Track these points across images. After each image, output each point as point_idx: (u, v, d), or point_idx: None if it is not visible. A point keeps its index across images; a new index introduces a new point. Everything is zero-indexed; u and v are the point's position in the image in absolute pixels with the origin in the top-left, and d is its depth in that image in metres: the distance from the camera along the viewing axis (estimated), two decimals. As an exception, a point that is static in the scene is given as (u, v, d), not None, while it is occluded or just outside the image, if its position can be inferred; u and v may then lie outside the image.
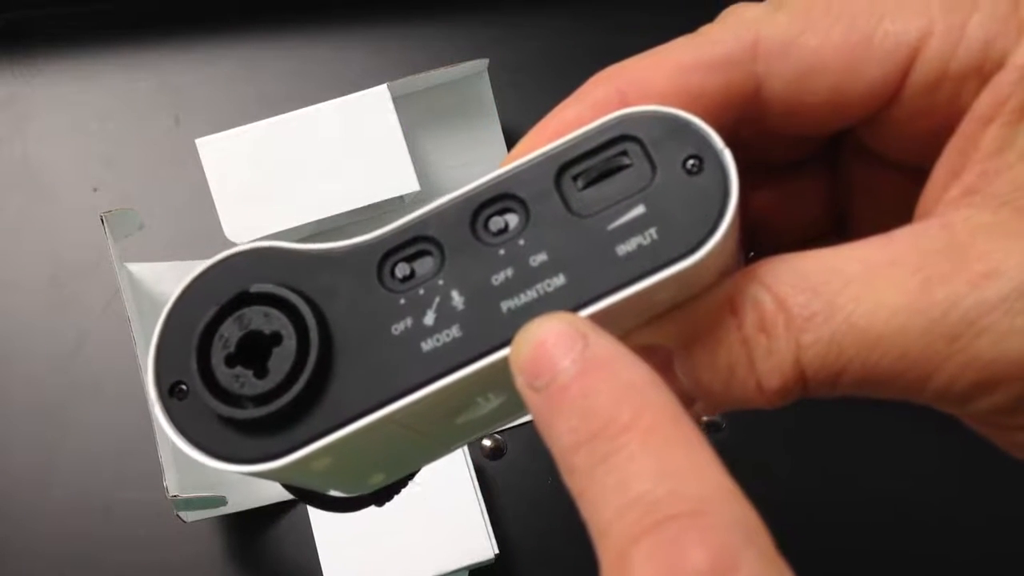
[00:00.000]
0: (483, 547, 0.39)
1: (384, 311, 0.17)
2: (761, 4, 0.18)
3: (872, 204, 0.21)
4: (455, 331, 0.17)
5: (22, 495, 0.42)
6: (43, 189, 0.47)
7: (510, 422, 0.20)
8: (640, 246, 0.16)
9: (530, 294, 0.17)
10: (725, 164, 0.16)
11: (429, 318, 0.17)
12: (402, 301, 0.17)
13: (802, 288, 0.16)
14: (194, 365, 0.17)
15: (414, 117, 0.43)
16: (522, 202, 0.17)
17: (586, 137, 0.17)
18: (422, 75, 0.42)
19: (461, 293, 0.17)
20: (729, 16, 0.18)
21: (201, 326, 0.17)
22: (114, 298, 0.43)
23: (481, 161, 0.46)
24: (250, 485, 0.41)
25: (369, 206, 0.41)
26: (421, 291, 0.17)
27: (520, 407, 0.19)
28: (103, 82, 0.48)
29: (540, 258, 0.17)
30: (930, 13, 0.16)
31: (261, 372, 0.17)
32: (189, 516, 0.36)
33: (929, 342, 0.15)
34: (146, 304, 0.40)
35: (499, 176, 0.18)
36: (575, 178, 0.17)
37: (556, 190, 0.17)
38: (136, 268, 0.41)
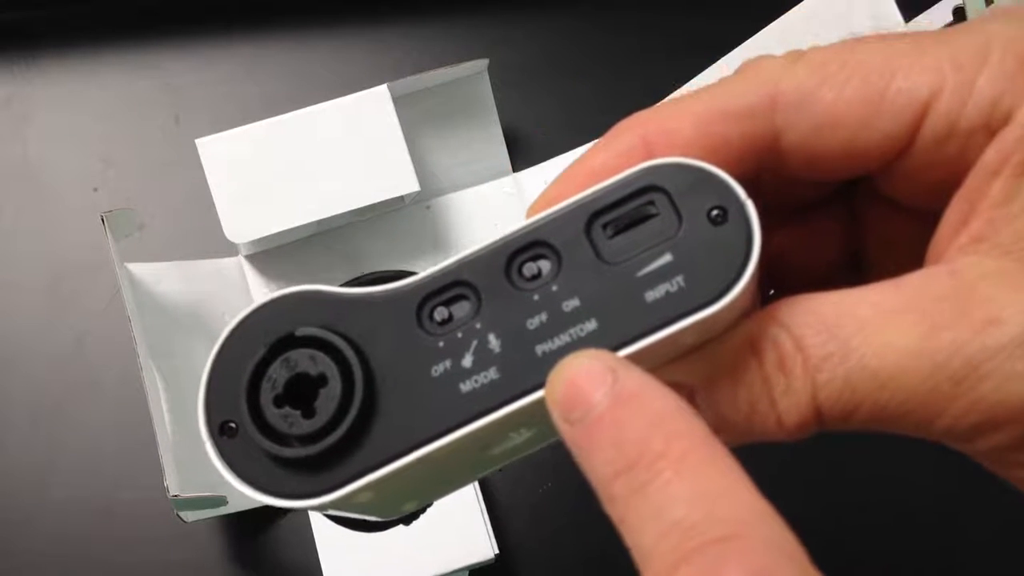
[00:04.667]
0: (483, 547, 0.39)
1: (424, 353, 0.18)
2: (779, 58, 0.19)
3: (886, 246, 0.22)
4: (492, 373, 0.18)
5: (22, 495, 0.42)
6: (43, 189, 0.47)
7: (537, 449, 0.21)
8: (668, 293, 0.17)
9: (563, 338, 0.18)
10: (748, 215, 0.17)
11: (467, 360, 0.18)
12: (441, 344, 0.18)
13: (818, 330, 0.17)
14: (244, 405, 0.18)
15: (414, 117, 0.43)
16: (554, 249, 0.18)
17: (615, 187, 0.18)
18: (422, 75, 0.42)
19: (498, 336, 0.18)
20: (749, 69, 0.19)
21: (250, 368, 0.18)
22: (114, 298, 0.43)
23: (481, 161, 0.46)
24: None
25: (369, 206, 0.41)
26: (459, 334, 0.18)
27: (547, 437, 0.20)
28: (103, 82, 0.48)
29: (573, 303, 0.18)
30: (941, 71, 0.17)
31: (308, 412, 0.17)
32: (189, 516, 0.36)
33: (935, 384, 0.16)
34: (146, 304, 0.40)
35: (532, 224, 0.18)
36: (604, 227, 0.18)
37: (586, 238, 0.18)
38: (136, 268, 0.41)
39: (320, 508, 0.18)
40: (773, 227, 0.22)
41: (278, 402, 0.18)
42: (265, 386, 0.18)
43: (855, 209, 0.22)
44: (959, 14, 0.45)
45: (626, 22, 0.49)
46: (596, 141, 0.20)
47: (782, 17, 0.39)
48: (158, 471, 0.34)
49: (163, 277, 0.41)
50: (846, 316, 0.17)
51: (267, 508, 0.41)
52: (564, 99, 0.48)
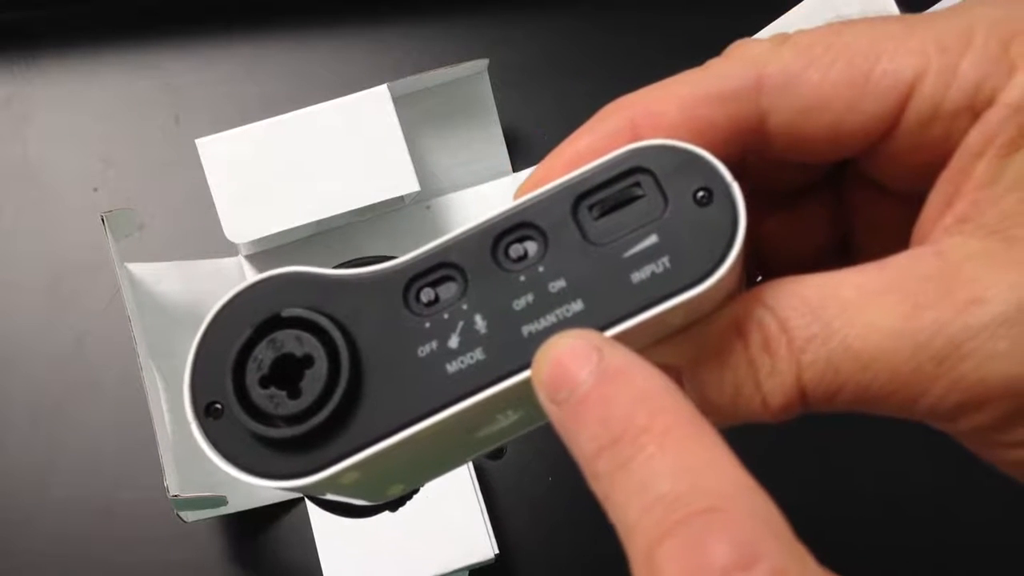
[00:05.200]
0: (483, 547, 0.39)
1: (410, 334, 0.18)
2: (766, 40, 0.19)
3: (873, 229, 0.22)
4: (478, 354, 0.18)
5: (22, 495, 0.42)
6: (43, 189, 0.47)
7: (523, 432, 0.20)
8: (653, 274, 0.17)
9: (550, 319, 0.18)
10: (734, 197, 0.17)
11: (454, 341, 0.18)
12: (427, 325, 0.18)
13: (803, 311, 0.17)
14: (230, 386, 0.18)
15: (414, 117, 0.43)
16: (541, 230, 0.18)
17: (601, 169, 0.18)
18: (422, 75, 0.42)
19: (484, 317, 0.18)
20: (735, 51, 0.19)
21: (236, 349, 0.18)
22: (114, 298, 0.43)
23: (481, 161, 0.46)
24: (251, 485, 0.41)
25: (369, 206, 0.41)
26: (446, 315, 0.18)
27: (534, 419, 0.20)
28: (103, 82, 0.48)
29: (559, 284, 0.18)
30: (925, 53, 0.17)
31: (294, 393, 0.17)
32: (189, 516, 0.36)
33: (918, 364, 0.16)
34: (146, 304, 0.40)
35: (518, 205, 0.18)
36: (590, 208, 0.18)
37: (573, 219, 0.18)
38: (136, 268, 0.41)
39: (306, 489, 0.18)
40: (762, 213, 0.22)
41: (264, 383, 0.18)
42: (251, 367, 0.18)
43: (842, 193, 0.22)
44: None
45: (626, 22, 0.49)
46: (582, 125, 0.20)
47: (782, 17, 0.39)
48: (158, 471, 0.34)
49: (163, 277, 0.41)
50: (830, 298, 0.17)
51: (267, 508, 0.41)
52: (564, 99, 0.48)
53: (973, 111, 0.17)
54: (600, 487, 0.16)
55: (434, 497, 0.39)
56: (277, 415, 0.17)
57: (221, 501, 0.38)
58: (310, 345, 0.18)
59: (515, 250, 0.18)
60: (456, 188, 0.46)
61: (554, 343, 0.17)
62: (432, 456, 0.20)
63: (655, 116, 0.19)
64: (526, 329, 0.18)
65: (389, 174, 0.41)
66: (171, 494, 0.34)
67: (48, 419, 0.43)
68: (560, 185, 0.18)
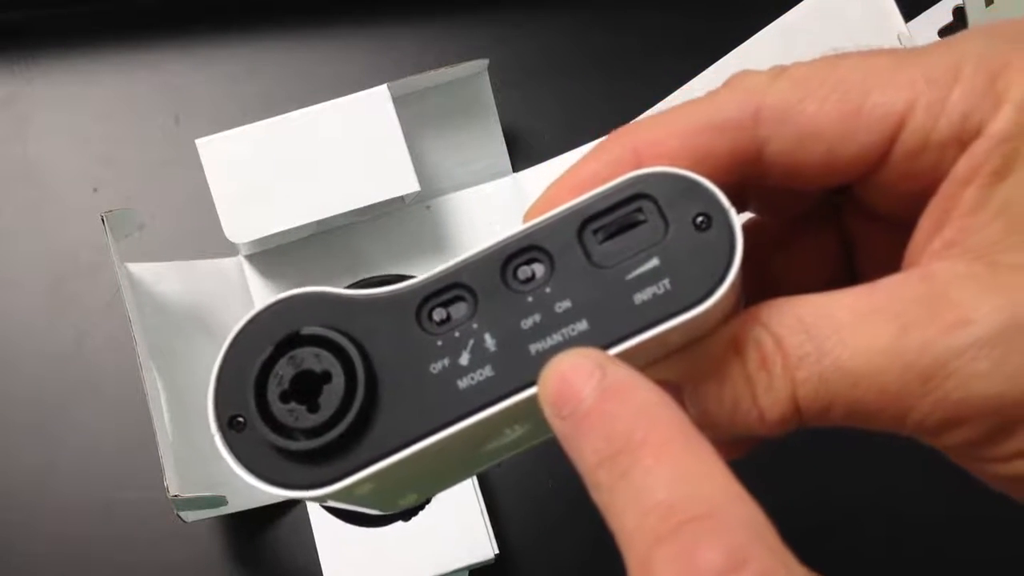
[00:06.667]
0: (483, 547, 0.39)
1: (423, 352, 0.19)
2: (763, 73, 0.20)
3: (871, 254, 0.23)
4: (488, 371, 0.19)
5: (22, 495, 0.42)
6: (43, 189, 0.47)
7: (529, 447, 0.22)
8: (655, 295, 0.18)
9: (556, 337, 0.19)
10: (731, 221, 0.18)
11: (464, 359, 0.19)
12: (439, 343, 0.19)
13: (797, 331, 0.18)
14: (252, 401, 0.19)
15: (414, 117, 0.43)
16: (548, 253, 0.19)
17: (606, 195, 0.19)
18: (422, 75, 0.42)
19: (493, 336, 0.19)
20: (735, 82, 0.20)
21: (257, 365, 0.19)
22: (114, 298, 0.43)
23: (481, 161, 0.46)
24: (250, 485, 0.41)
25: (369, 206, 0.41)
26: (457, 334, 0.19)
27: (539, 434, 0.21)
28: (103, 82, 0.48)
29: (565, 305, 0.19)
30: (915, 87, 0.18)
31: (313, 407, 0.18)
32: (189, 516, 0.36)
33: (905, 382, 0.17)
34: (146, 304, 0.40)
35: (527, 229, 0.19)
36: (595, 232, 0.19)
37: (579, 243, 0.19)
38: (136, 268, 0.41)
39: (322, 499, 0.19)
40: (768, 243, 0.23)
41: (284, 398, 0.19)
42: (272, 382, 0.19)
43: (842, 220, 0.23)
44: (959, 14, 0.45)
45: (626, 22, 0.49)
46: (587, 151, 0.21)
47: (782, 17, 0.39)
48: (158, 471, 0.34)
49: (163, 277, 0.41)
50: (823, 318, 0.18)
51: (267, 508, 0.41)
52: (564, 99, 0.48)
53: (961, 142, 0.18)
54: (600, 497, 0.17)
55: (434, 497, 0.39)
56: (297, 428, 0.18)
57: (221, 501, 0.38)
58: (328, 362, 0.19)
59: (523, 272, 0.19)
60: (456, 188, 0.46)
61: (559, 361, 0.18)
62: (443, 468, 0.21)
63: (657, 144, 0.20)
64: (533, 347, 0.19)
65: (389, 174, 0.41)
66: (171, 494, 0.34)
67: (48, 419, 0.43)
68: (566, 210, 0.19)
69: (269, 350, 0.19)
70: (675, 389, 0.19)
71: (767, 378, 0.18)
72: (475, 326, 0.19)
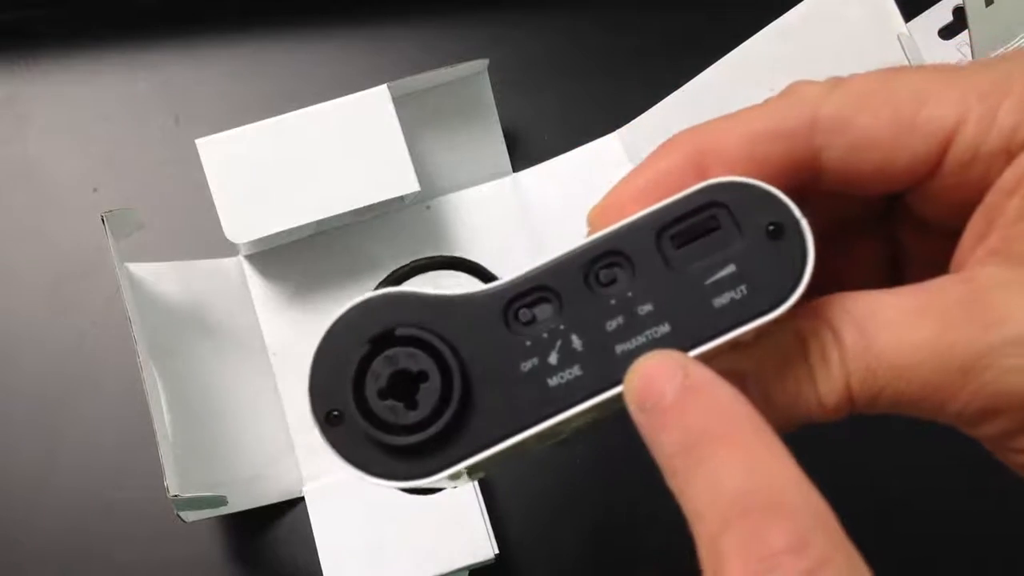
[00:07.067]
0: (483, 547, 0.39)
1: (512, 351, 0.20)
2: (820, 83, 0.21)
3: (916, 256, 0.24)
4: (576, 370, 0.20)
5: (22, 494, 0.42)
6: (43, 189, 0.47)
7: (592, 424, 0.23)
8: (733, 300, 0.20)
9: (640, 339, 0.20)
10: (803, 231, 0.20)
11: (553, 358, 0.20)
12: (528, 343, 0.20)
13: (852, 326, 0.20)
14: (350, 397, 0.20)
15: (414, 117, 0.43)
16: (628, 258, 0.20)
17: (681, 202, 0.20)
18: (422, 75, 0.42)
19: (579, 337, 0.20)
20: (793, 92, 0.21)
21: (355, 363, 0.20)
22: (114, 298, 0.43)
23: (481, 161, 0.46)
24: (250, 485, 0.41)
25: (369, 206, 0.41)
26: (544, 334, 0.20)
27: (603, 417, 0.22)
28: (103, 82, 0.48)
29: (647, 308, 0.20)
30: (967, 101, 0.20)
31: (411, 404, 0.20)
32: (189, 516, 0.36)
33: (945, 375, 0.19)
34: (146, 304, 0.40)
35: (607, 234, 0.20)
36: (672, 238, 0.20)
37: (657, 248, 0.20)
38: (136, 268, 0.41)
39: (415, 487, 0.20)
40: (825, 260, 0.24)
41: (382, 395, 0.20)
42: (370, 380, 0.20)
43: (894, 226, 0.24)
44: (959, 14, 0.45)
45: (626, 22, 0.49)
46: (651, 152, 0.22)
47: (782, 17, 0.39)
48: (158, 470, 0.34)
49: (163, 277, 0.41)
50: (874, 315, 0.19)
51: (267, 508, 0.41)
52: (564, 99, 0.48)
53: (1008, 153, 0.19)
54: (676, 482, 0.18)
55: (434, 497, 0.39)
56: (397, 424, 0.20)
57: (221, 501, 0.38)
58: (423, 361, 0.20)
59: (605, 275, 0.20)
60: (456, 188, 0.46)
61: (645, 359, 0.19)
62: (522, 452, 0.22)
63: (717, 150, 0.21)
64: (619, 348, 0.20)
65: (389, 174, 0.41)
66: (171, 494, 0.34)
67: (48, 419, 0.43)
68: (643, 216, 0.20)
69: (366, 349, 0.20)
70: (738, 377, 0.20)
71: (826, 369, 0.20)
72: (562, 327, 0.20)
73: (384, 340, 0.20)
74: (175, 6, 0.49)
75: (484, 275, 0.27)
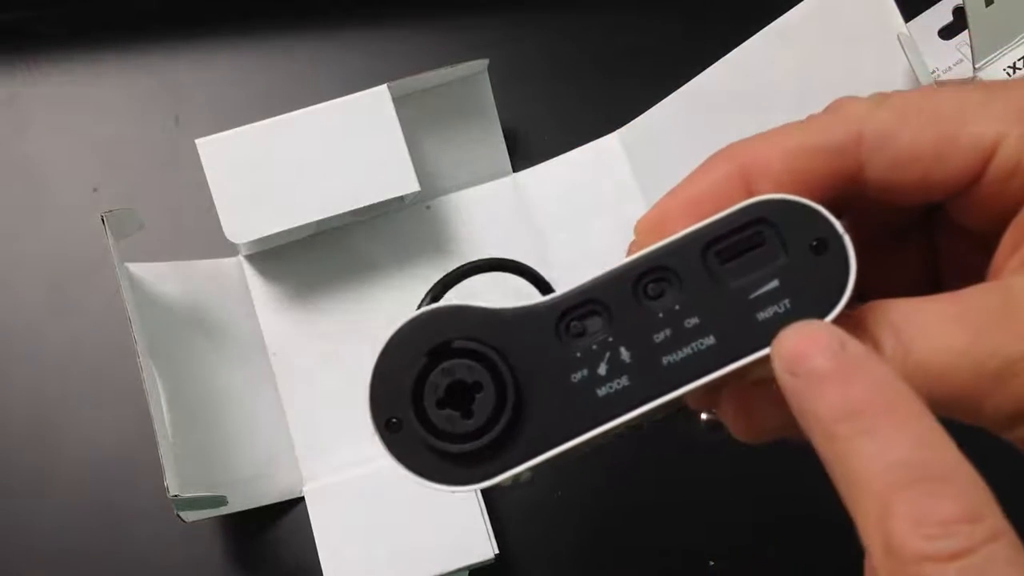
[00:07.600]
0: (483, 547, 0.39)
1: (563, 362, 0.21)
2: (865, 100, 0.22)
3: (954, 264, 0.25)
4: (624, 380, 0.21)
5: (22, 495, 0.42)
6: (43, 189, 0.47)
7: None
8: (776, 314, 0.20)
9: (686, 351, 0.20)
10: (846, 247, 0.20)
11: (602, 369, 0.21)
12: (578, 354, 0.21)
13: (891, 334, 0.20)
14: (410, 406, 0.21)
15: (414, 117, 0.43)
16: (675, 273, 0.21)
17: (727, 219, 0.21)
18: (422, 75, 0.42)
19: (628, 348, 0.21)
20: (838, 108, 0.22)
21: (414, 374, 0.21)
22: (114, 298, 0.43)
23: (481, 161, 0.46)
24: (250, 485, 0.41)
25: (369, 206, 0.41)
26: (594, 346, 0.21)
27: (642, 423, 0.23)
28: (103, 82, 0.48)
29: (693, 321, 0.21)
30: (1006, 121, 0.21)
31: (467, 414, 0.21)
32: (189, 516, 0.36)
33: (978, 380, 0.19)
34: (146, 304, 0.40)
35: (654, 250, 0.21)
36: (717, 253, 0.21)
37: (703, 264, 0.21)
38: (136, 268, 0.41)
39: (470, 491, 0.21)
40: (865, 266, 0.25)
41: (440, 404, 0.21)
42: (428, 390, 0.21)
43: (934, 235, 0.25)
44: (959, 14, 0.45)
45: (625, 23, 0.49)
46: (697, 166, 0.23)
47: (782, 17, 0.39)
48: (158, 471, 0.34)
49: (163, 277, 0.41)
50: (910, 321, 0.20)
51: (267, 508, 0.41)
52: (564, 99, 0.48)
53: None
54: (835, 446, 0.18)
55: (434, 497, 0.39)
56: (454, 432, 0.20)
57: (221, 501, 0.38)
58: (478, 373, 0.21)
59: (653, 289, 0.21)
60: (456, 188, 0.46)
61: (803, 325, 0.20)
62: (569, 457, 0.22)
63: (762, 163, 0.22)
64: (665, 359, 0.20)
65: (389, 174, 0.41)
66: (171, 494, 0.34)
67: (48, 419, 0.43)
68: (690, 233, 0.21)
69: (424, 361, 0.21)
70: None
71: None
72: (611, 339, 0.21)
73: (441, 352, 0.21)
74: (175, 6, 0.49)
75: (537, 279, 0.27)
